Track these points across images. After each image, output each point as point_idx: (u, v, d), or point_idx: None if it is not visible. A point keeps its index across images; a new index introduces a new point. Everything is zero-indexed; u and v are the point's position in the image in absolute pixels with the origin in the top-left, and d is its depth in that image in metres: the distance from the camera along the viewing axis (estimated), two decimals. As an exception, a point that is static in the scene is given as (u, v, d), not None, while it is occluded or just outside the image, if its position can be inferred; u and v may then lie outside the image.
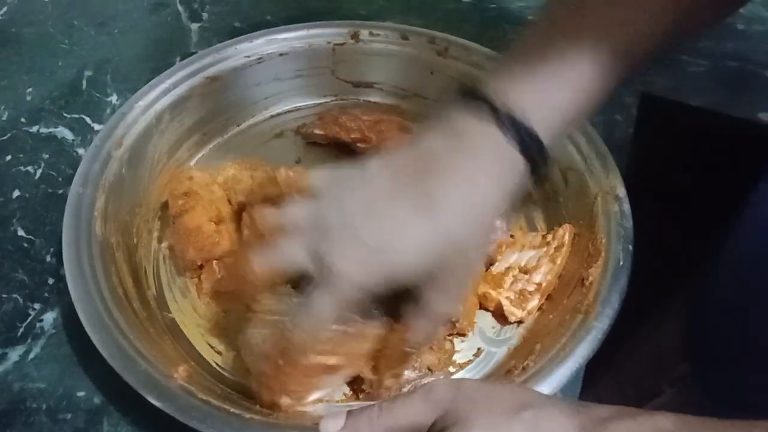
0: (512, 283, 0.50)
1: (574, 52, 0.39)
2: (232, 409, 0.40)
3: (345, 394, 0.46)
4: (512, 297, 0.49)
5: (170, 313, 0.49)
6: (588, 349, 0.43)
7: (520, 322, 0.49)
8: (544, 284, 0.49)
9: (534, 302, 0.49)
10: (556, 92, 0.40)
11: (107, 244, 0.48)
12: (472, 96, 0.40)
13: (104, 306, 0.43)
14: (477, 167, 0.39)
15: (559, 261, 0.50)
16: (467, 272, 0.43)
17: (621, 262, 0.47)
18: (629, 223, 0.49)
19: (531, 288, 0.49)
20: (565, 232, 0.51)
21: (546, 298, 0.50)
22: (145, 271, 0.51)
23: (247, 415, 0.40)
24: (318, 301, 0.39)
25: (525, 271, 0.50)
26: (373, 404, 0.36)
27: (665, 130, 0.66)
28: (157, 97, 0.55)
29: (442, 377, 0.46)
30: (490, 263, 0.51)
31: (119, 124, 0.53)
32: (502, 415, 0.33)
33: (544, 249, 0.51)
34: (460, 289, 0.43)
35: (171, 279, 0.51)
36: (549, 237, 0.52)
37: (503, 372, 0.46)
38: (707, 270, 0.54)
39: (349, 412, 0.36)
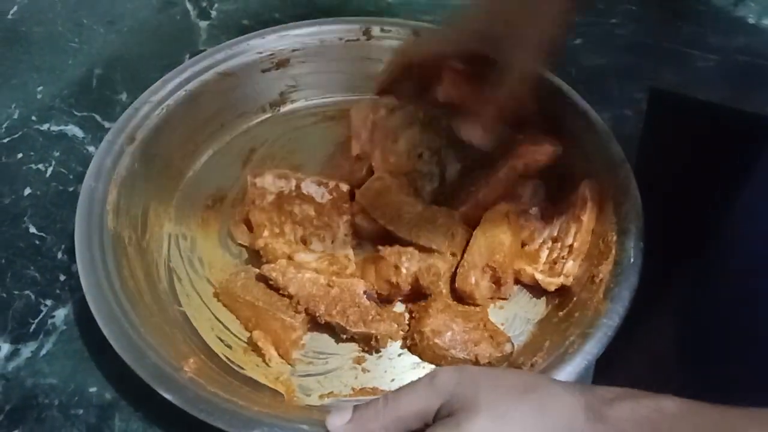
0: (548, 255, 0.50)
1: None
2: (240, 402, 0.40)
3: (353, 389, 0.46)
4: (545, 269, 0.49)
5: (181, 306, 0.49)
6: (597, 347, 0.43)
7: (561, 289, 0.49)
8: (576, 244, 0.49)
9: (569, 264, 0.49)
10: None
11: (119, 238, 0.48)
12: None
13: (115, 299, 0.44)
14: None
15: (584, 217, 0.50)
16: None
17: (632, 260, 0.47)
18: (641, 221, 0.49)
19: (564, 253, 0.49)
20: (584, 189, 0.51)
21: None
22: (157, 265, 0.51)
23: (255, 408, 0.40)
24: None
25: (556, 240, 0.50)
26: (379, 397, 0.36)
27: (675, 125, 0.65)
28: (170, 92, 0.55)
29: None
30: (523, 244, 0.52)
31: (132, 119, 0.53)
32: (508, 396, 0.33)
33: (570, 212, 0.51)
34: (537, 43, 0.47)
35: (182, 273, 0.51)
36: (572, 199, 0.52)
37: (512, 368, 0.46)
38: (702, 268, 0.54)
39: (356, 407, 0.36)
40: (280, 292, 0.48)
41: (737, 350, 0.53)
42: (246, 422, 0.39)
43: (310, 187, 0.53)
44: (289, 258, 0.49)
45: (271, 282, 0.48)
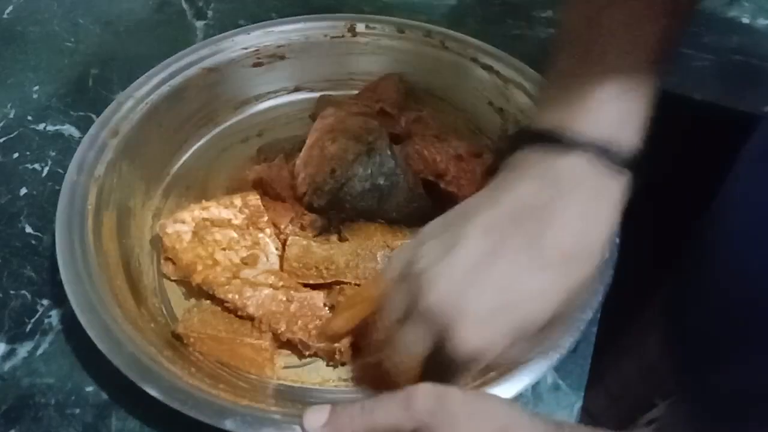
0: None
1: (614, 63, 0.38)
2: (213, 391, 0.40)
3: (341, 378, 0.46)
4: None
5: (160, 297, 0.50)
6: (569, 341, 0.43)
7: None
8: None
9: None
10: (621, 103, 0.39)
11: (100, 232, 0.48)
12: (542, 138, 0.39)
13: (93, 289, 0.44)
14: (582, 205, 0.37)
15: None
16: (584, 295, 0.40)
17: (606, 254, 0.47)
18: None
19: None
20: None
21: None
22: (139, 259, 0.51)
23: (230, 398, 0.40)
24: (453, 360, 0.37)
25: None
26: (356, 403, 0.36)
27: (669, 124, 0.65)
28: (154, 87, 0.55)
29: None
30: None
31: (115, 113, 0.53)
32: None
33: None
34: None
35: (161, 265, 0.51)
36: None
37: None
38: (686, 269, 0.54)
39: (333, 408, 0.36)
40: (239, 313, 0.46)
41: (725, 352, 0.54)
42: (219, 412, 0.39)
43: (220, 212, 0.51)
44: (235, 278, 0.47)
45: (227, 305, 0.46)
